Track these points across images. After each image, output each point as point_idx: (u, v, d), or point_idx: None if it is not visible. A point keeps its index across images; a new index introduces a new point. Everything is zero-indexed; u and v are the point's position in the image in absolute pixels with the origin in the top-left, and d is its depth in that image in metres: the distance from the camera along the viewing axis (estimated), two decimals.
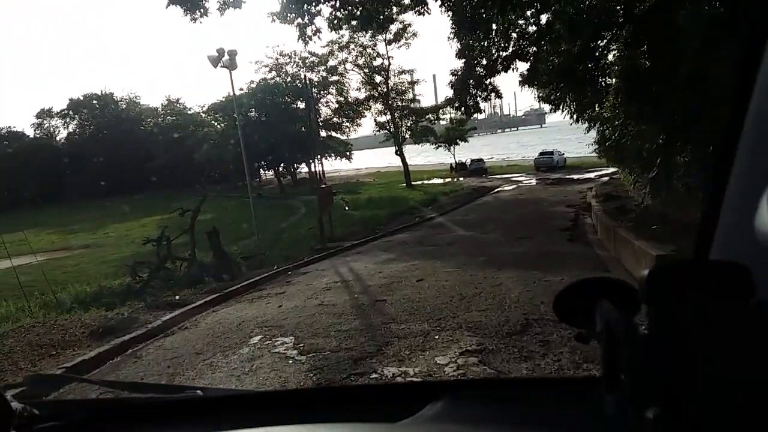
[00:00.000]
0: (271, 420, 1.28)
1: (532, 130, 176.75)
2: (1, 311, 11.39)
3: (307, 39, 14.28)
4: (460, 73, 19.79)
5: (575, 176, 34.05)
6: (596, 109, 21.09)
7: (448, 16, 18.97)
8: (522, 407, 1.27)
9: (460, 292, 8.03)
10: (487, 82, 20.17)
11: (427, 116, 37.28)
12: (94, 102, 54.27)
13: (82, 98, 54.15)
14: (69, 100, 54.43)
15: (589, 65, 20.36)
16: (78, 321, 9.16)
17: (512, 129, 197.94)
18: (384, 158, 72.72)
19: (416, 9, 16.40)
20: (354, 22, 14.70)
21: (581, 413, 1.14)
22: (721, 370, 0.63)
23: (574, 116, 22.02)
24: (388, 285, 9.24)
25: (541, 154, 42.57)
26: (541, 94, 22.25)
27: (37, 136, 54.14)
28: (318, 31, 14.37)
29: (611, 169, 34.55)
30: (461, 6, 16.47)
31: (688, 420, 0.63)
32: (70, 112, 54.22)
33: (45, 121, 54.86)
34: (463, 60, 20.07)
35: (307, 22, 13.92)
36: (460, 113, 43.18)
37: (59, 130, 55.95)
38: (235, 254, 15.93)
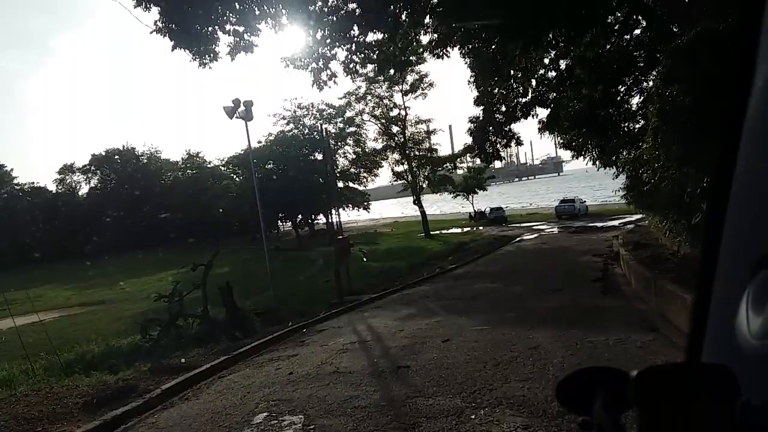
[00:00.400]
0: None
1: (549, 179, 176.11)
2: (3, 374, 10.65)
3: (322, 84, 13.71)
4: (478, 120, 19.25)
5: (598, 224, 32.95)
6: (624, 153, 20.36)
7: (466, 63, 18.60)
8: None
9: (494, 356, 7.07)
10: (507, 128, 19.59)
11: (444, 165, 36.76)
12: (116, 157, 54.76)
13: (104, 153, 54.68)
14: (91, 155, 54.96)
15: (611, 110, 19.76)
16: (75, 389, 8.36)
17: (529, 177, 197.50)
18: (401, 208, 72.33)
19: (434, 51, 15.87)
20: (370, 66, 14.07)
21: None
22: None
23: (596, 162, 21.24)
24: (410, 346, 8.30)
25: (563, 201, 41.60)
26: (561, 141, 21.59)
27: (59, 191, 54.51)
28: (334, 75, 13.85)
29: (635, 217, 33.52)
30: (481, 50, 16.03)
31: None
32: (92, 167, 54.68)
33: (67, 177, 55.33)
34: (482, 107, 19.59)
35: (322, 66, 13.40)
36: (478, 161, 42.83)
37: (81, 185, 56.37)
38: (249, 310, 15.16)
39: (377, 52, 13.62)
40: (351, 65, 13.84)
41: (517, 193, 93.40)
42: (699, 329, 0.94)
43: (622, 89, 20.22)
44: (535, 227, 36.05)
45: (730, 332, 0.77)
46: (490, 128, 19.51)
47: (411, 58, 29.50)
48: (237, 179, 46.86)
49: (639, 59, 19.11)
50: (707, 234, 0.91)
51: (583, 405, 0.94)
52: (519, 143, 20.44)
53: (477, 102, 19.45)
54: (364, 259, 24.46)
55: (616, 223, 32.38)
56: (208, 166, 54.97)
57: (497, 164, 66.52)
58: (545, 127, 20.87)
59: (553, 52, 19.12)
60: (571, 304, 11.46)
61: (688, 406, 0.67)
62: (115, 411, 6.91)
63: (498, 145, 19.87)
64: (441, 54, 15.75)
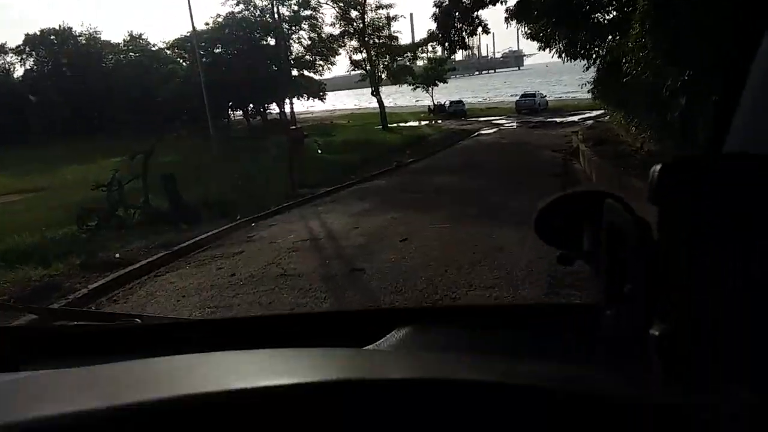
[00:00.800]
0: (221, 346, 0.97)
1: (509, 73, 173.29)
2: None
3: None
4: (444, 3, 17.71)
5: (558, 119, 32.46)
6: (596, 44, 19.33)
7: None
8: (501, 334, 1.14)
9: (456, 258, 6.45)
10: (474, 14, 18.16)
11: (405, 54, 34.89)
12: (52, 37, 49.95)
13: (38, 33, 49.84)
14: (25, 35, 50.00)
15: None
16: None
17: (490, 71, 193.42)
18: (359, 99, 70.05)
19: None
20: None
21: (568, 338, 1.01)
22: (745, 284, 0.51)
23: (563, 55, 20.22)
24: (366, 246, 7.61)
25: (523, 96, 40.62)
26: (529, 31, 20.30)
27: None
28: None
29: (595, 113, 33.07)
30: None
31: (700, 340, 0.53)
32: (27, 48, 49.92)
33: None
34: None
35: None
36: (439, 53, 40.99)
37: (15, 68, 51.70)
38: (195, 201, 14.20)
39: None
40: None
41: (477, 87, 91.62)
42: (724, 120, 0.78)
43: None
44: (494, 121, 35.28)
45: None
46: (456, 13, 18.03)
47: None
48: (183, 64, 43.76)
49: None
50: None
51: (566, 236, 0.82)
52: (486, 31, 19.10)
53: None
54: (319, 151, 23.46)
55: (575, 118, 31.89)
56: (153, 48, 50.97)
57: (458, 56, 64.19)
58: (513, 15, 19.52)
59: None
60: (532, 199, 10.96)
61: (727, 201, 0.52)
62: None
63: (463, 33, 18.49)
64: None
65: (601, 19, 18.67)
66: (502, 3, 18.46)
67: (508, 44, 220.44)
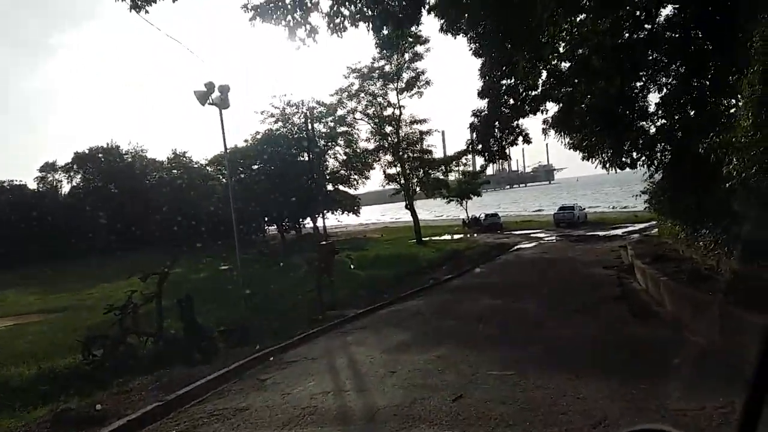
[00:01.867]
0: None
1: (540, 187, 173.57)
2: None
3: (299, 41, 10.79)
4: (483, 113, 16.70)
5: (600, 233, 30.51)
6: (634, 155, 17.92)
7: (471, 48, 16.11)
8: None
9: None
10: (514, 123, 17.05)
11: (439, 168, 34.13)
12: (100, 155, 51.51)
13: (87, 151, 51.50)
14: (74, 153, 51.75)
15: (627, 108, 17.33)
16: None
17: (520, 185, 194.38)
18: (392, 213, 69.64)
19: (443, 28, 12.98)
20: (363, 24, 11.10)
21: None
22: None
23: (607, 165, 18.76)
24: (407, 406, 5.60)
25: (561, 209, 39.12)
26: (571, 141, 19.03)
27: (40, 189, 51.25)
28: (314, 31, 10.84)
29: (639, 226, 31.20)
30: (490, 32, 13.51)
31: None
32: (75, 166, 51.41)
33: (49, 175, 52.01)
34: (487, 99, 17.02)
35: (300, 19, 10.51)
36: (476, 166, 40.28)
37: (63, 184, 53.09)
38: (214, 326, 12.56)
39: (375, 5, 10.70)
40: (337, 19, 10.91)
41: (510, 200, 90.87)
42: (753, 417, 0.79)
43: (638, 85, 17.74)
44: (532, 235, 33.51)
45: None
46: (496, 123, 16.96)
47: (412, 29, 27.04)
48: (223, 180, 44.01)
49: (660, 51, 16.70)
50: None
51: None
52: (527, 141, 17.89)
53: (482, 94, 16.91)
54: (351, 267, 21.95)
55: (619, 232, 30.01)
56: (195, 165, 51.98)
57: (489, 170, 63.76)
58: (554, 124, 18.37)
59: (566, 41, 16.67)
60: (604, 331, 8.92)
61: None
62: None
63: (503, 142, 17.32)
64: (450, 30, 13.00)
65: (643, 128, 17.38)
66: (542, 112, 17.40)
67: (537, 158, 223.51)
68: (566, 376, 6.02)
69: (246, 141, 38.72)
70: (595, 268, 18.36)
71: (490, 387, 5.94)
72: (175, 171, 51.74)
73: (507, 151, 17.85)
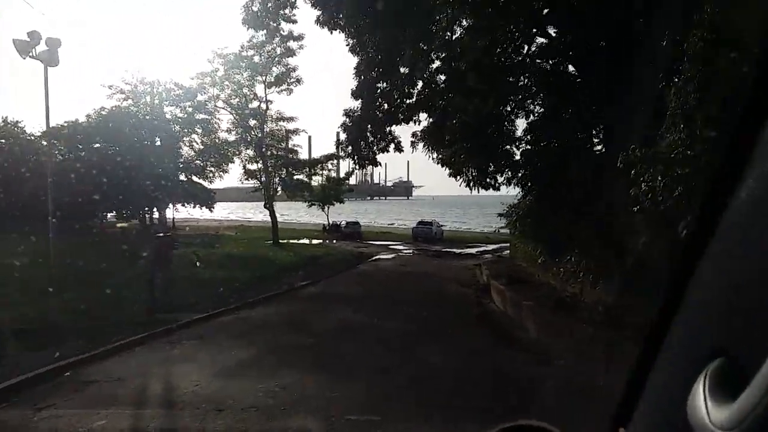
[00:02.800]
0: None
1: (399, 201, 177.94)
2: None
3: None
4: (356, 113, 15.46)
5: (456, 250, 30.76)
6: (498, 177, 17.86)
7: (348, 44, 14.85)
8: None
9: None
10: (388, 129, 16.02)
11: (303, 170, 32.39)
12: None
13: None
14: None
15: (496, 130, 17.16)
16: None
17: (381, 198, 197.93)
18: (252, 212, 66.32)
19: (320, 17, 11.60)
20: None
21: None
22: None
23: (471, 184, 18.47)
24: None
25: (420, 223, 39.18)
26: (441, 156, 18.49)
27: None
28: None
29: (491, 246, 31.99)
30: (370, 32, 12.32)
31: None
32: None
33: None
34: (361, 101, 15.82)
35: None
36: (340, 173, 39.17)
37: None
38: (9, 323, 9.96)
39: None
40: None
41: (370, 211, 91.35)
42: (631, 402, 0.82)
43: (509, 108, 17.70)
44: (391, 246, 32.98)
45: (674, 414, 0.68)
46: (369, 127, 15.80)
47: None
48: (60, 157, 38.44)
49: (531, 78, 16.77)
50: (665, 306, 0.79)
51: None
52: (399, 149, 16.91)
53: (356, 94, 15.66)
54: (198, 264, 19.55)
55: (473, 251, 30.47)
56: (30, 138, 45.04)
57: (352, 180, 63.24)
58: (424, 137, 17.70)
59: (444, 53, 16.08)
60: (471, 361, 7.95)
61: None
62: None
63: (375, 147, 16.19)
64: (326, 23, 11.67)
65: (509, 152, 17.34)
66: (415, 122, 16.59)
67: (398, 174, 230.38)
68: (444, 426, 4.77)
69: (89, 116, 33.96)
70: (453, 285, 17.91)
71: None
72: (3, 141, 44.40)
73: (377, 157, 16.79)
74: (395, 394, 5.79)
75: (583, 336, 7.81)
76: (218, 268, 18.84)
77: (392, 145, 16.51)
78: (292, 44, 29.51)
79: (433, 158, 18.73)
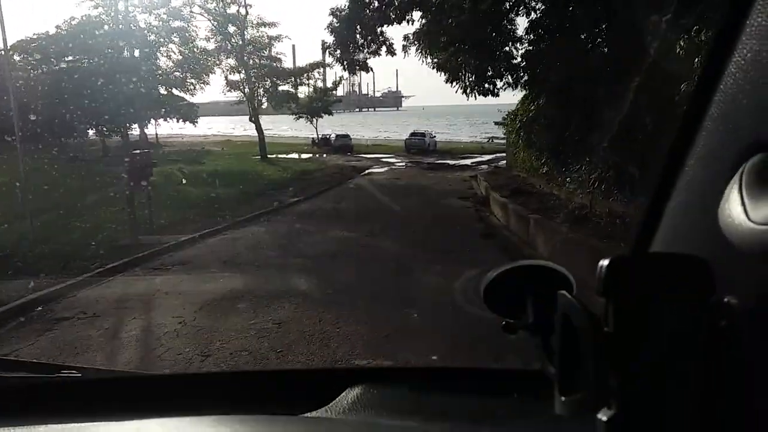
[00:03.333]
0: (158, 408, 1.14)
1: (389, 112, 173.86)
2: None
3: None
4: (344, 12, 13.88)
5: (450, 161, 29.77)
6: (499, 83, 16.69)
7: None
8: (450, 397, 1.20)
9: None
10: (378, 30, 14.49)
11: (289, 80, 30.55)
12: None
13: None
14: None
15: (494, 29, 15.72)
16: None
17: (369, 109, 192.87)
18: (240, 127, 64.21)
19: None
20: None
21: (520, 406, 1.09)
22: (682, 378, 0.58)
23: (467, 90, 17.25)
24: None
25: (413, 135, 37.79)
26: (435, 60, 17.07)
27: None
28: None
29: (486, 157, 30.98)
30: None
31: (643, 427, 0.58)
32: None
33: None
34: None
35: None
36: (327, 82, 37.32)
37: None
38: None
39: None
40: None
41: (359, 123, 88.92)
42: (653, 221, 0.78)
43: (507, 6, 16.09)
44: (383, 159, 31.84)
45: (704, 223, 0.64)
46: (358, 27, 14.27)
47: None
48: (32, 72, 36.15)
49: None
50: (687, 116, 0.72)
51: (510, 306, 0.90)
52: (391, 51, 15.41)
53: None
54: (183, 181, 18.63)
55: (468, 162, 29.46)
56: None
57: (339, 91, 60.72)
58: (418, 38, 16.21)
59: None
60: (471, 284, 7.22)
61: (665, 298, 0.58)
62: None
63: (365, 50, 14.72)
64: None
65: (509, 52, 16.00)
66: (408, 23, 15.05)
67: (387, 84, 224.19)
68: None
69: (58, 27, 31.45)
70: (451, 199, 17.12)
71: None
72: None
73: (368, 62, 15.32)
74: (404, 330, 5.06)
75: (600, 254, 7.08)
76: (204, 185, 17.87)
77: (384, 48, 15.04)
78: None
79: (427, 63, 17.32)
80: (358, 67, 15.36)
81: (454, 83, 17.21)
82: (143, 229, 11.72)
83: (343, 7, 14.04)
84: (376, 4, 14.28)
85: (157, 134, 39.75)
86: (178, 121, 35.49)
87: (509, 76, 16.24)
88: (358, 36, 14.22)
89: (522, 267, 0.92)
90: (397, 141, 42.88)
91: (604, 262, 0.59)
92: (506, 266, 0.91)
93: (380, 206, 15.55)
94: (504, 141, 24.60)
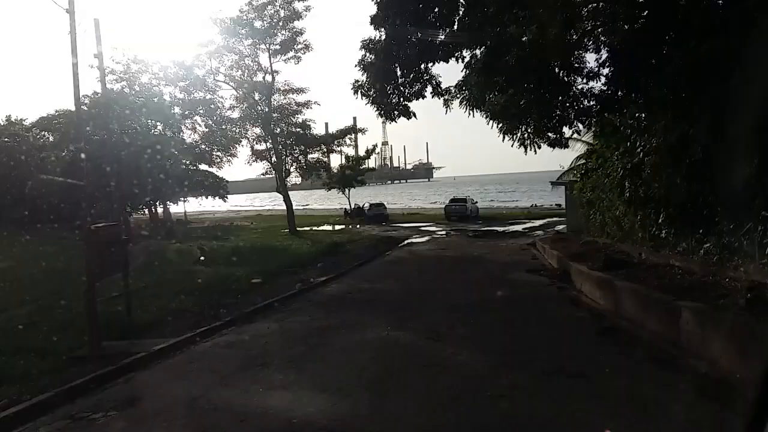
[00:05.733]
0: None
1: (420, 183, 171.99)
2: None
3: None
4: (379, 45, 10.71)
5: (498, 228, 25.89)
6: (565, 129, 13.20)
7: None
8: None
9: None
10: (422, 66, 11.19)
11: (319, 147, 27.65)
12: None
13: None
14: None
15: (559, 63, 12.30)
16: None
17: (401, 181, 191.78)
18: (273, 202, 61.99)
19: None
20: None
21: None
22: None
23: (526, 143, 13.77)
24: None
25: (453, 201, 34.33)
26: (495, 104, 13.57)
27: None
28: None
29: (538, 222, 27.09)
30: None
31: None
32: None
33: None
34: (383, 30, 10.98)
35: None
36: (359, 151, 34.44)
37: None
38: None
39: None
40: None
41: (393, 194, 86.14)
42: None
43: (575, 35, 12.60)
44: (422, 228, 28.14)
45: None
46: (396, 66, 11.03)
47: None
48: (52, 156, 34.20)
49: None
50: None
51: None
52: (437, 92, 11.99)
53: (376, 21, 10.83)
54: (202, 258, 15.50)
55: (518, 228, 25.54)
56: (30, 135, 40.99)
57: (371, 163, 58.19)
58: (468, 81, 12.87)
59: None
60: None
61: None
62: None
63: (406, 91, 11.39)
64: None
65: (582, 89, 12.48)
66: (457, 60, 11.76)
67: (417, 157, 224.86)
68: None
69: (84, 101, 29.64)
70: (518, 272, 13.17)
71: None
72: (6, 140, 40.45)
73: (410, 104, 11.94)
74: None
75: None
76: (221, 264, 14.43)
77: (429, 87, 11.66)
78: (298, 5, 24.84)
79: (478, 112, 13.86)
80: (397, 113, 11.99)
81: (513, 135, 13.72)
82: (118, 327, 8.22)
83: (378, 38, 10.86)
84: (418, 35, 11.00)
85: (185, 211, 37.28)
86: (206, 197, 32.86)
87: (577, 123, 12.76)
88: (396, 71, 10.94)
89: None
90: (433, 209, 39.36)
91: None
92: None
93: (430, 287, 11.68)
94: (557, 204, 20.98)
